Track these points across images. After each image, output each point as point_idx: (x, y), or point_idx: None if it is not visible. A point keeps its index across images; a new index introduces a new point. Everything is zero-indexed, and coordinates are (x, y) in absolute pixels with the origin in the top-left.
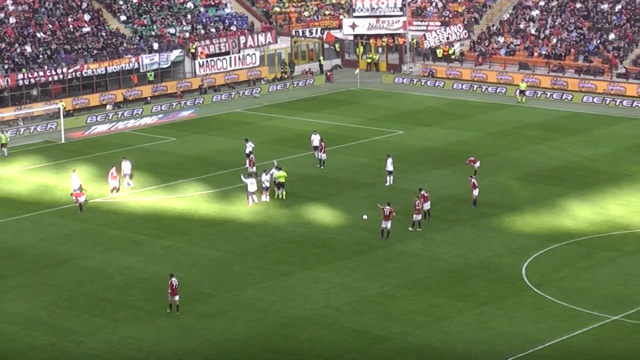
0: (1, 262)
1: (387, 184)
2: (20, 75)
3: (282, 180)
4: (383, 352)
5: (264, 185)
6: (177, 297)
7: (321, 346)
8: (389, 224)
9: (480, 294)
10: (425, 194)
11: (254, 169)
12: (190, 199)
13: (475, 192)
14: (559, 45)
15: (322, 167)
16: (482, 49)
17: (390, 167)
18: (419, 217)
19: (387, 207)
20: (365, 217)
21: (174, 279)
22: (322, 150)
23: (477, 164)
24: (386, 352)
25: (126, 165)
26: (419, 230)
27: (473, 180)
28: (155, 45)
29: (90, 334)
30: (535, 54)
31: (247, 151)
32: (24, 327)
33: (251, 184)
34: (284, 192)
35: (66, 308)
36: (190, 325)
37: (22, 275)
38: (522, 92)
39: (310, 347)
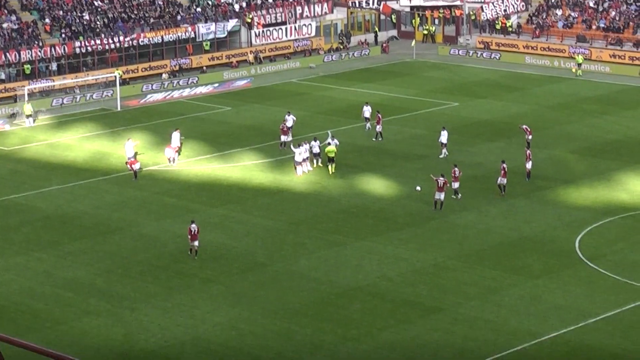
0: (57, 228)
1: (442, 155)
2: (77, 44)
3: (332, 155)
4: (435, 324)
5: (307, 156)
6: (196, 243)
7: (373, 317)
8: (442, 196)
9: (534, 267)
10: (505, 167)
11: (285, 139)
12: (245, 168)
13: (529, 164)
14: (617, 18)
15: (380, 139)
16: (540, 22)
17: (444, 139)
18: (457, 185)
19: (441, 179)
20: (418, 188)
21: (193, 225)
22: (379, 122)
23: (530, 137)
24: (438, 323)
25: (175, 137)
26: (456, 197)
27: (528, 152)
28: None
29: (144, 301)
30: (594, 26)
31: (288, 124)
32: (79, 293)
33: (298, 154)
34: (333, 166)
35: (121, 275)
36: (243, 293)
37: (77, 242)
38: (579, 65)
39: (362, 317)
